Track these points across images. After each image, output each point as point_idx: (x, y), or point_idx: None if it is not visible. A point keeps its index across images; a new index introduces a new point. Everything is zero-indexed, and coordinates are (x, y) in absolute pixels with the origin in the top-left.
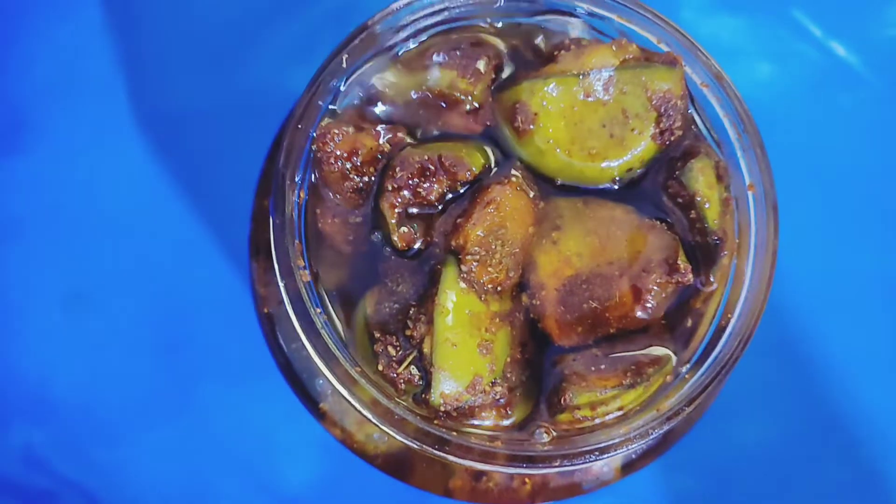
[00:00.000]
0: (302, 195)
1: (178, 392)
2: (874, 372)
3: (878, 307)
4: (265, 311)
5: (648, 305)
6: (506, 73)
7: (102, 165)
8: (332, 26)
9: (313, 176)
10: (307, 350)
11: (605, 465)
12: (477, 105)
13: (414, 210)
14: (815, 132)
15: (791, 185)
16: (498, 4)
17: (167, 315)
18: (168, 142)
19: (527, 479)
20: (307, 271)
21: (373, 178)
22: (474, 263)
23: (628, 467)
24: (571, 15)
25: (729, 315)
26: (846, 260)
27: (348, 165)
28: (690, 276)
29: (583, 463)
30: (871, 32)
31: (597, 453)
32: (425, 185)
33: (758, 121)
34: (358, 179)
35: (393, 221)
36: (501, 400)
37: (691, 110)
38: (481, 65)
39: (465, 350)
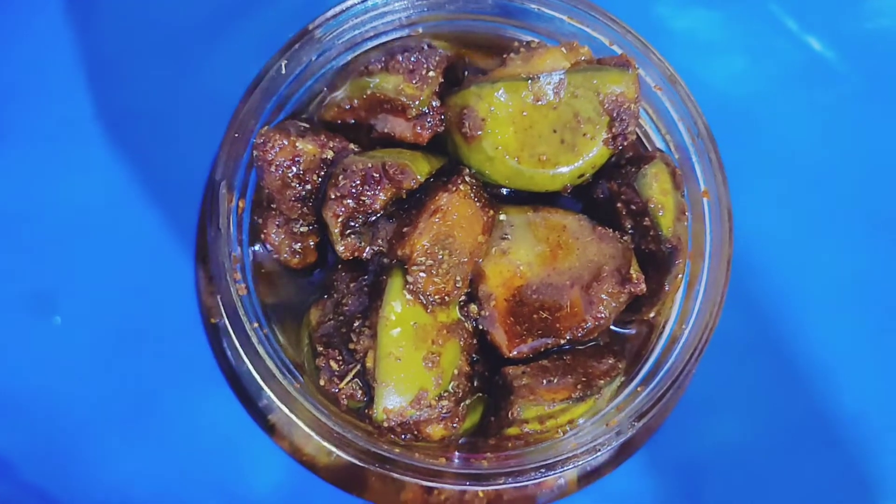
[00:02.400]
0: (242, 204)
1: (140, 398)
2: (842, 369)
3: (852, 306)
4: (211, 321)
5: (600, 316)
6: (453, 77)
7: (63, 167)
8: (296, 24)
9: (255, 184)
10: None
11: (560, 478)
12: (424, 110)
13: (358, 219)
14: (792, 126)
15: (766, 181)
16: (445, 7)
17: (128, 320)
18: (128, 141)
19: (480, 492)
20: (244, 285)
21: (316, 187)
22: (420, 274)
23: (585, 479)
24: (521, 16)
25: (682, 325)
26: (817, 255)
27: (290, 173)
28: (643, 286)
29: (529, 480)
30: (847, 26)
31: (543, 470)
32: (369, 194)
33: (733, 115)
34: (300, 188)
35: (336, 231)
36: (447, 413)
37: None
38: (428, 69)
39: (409, 363)
